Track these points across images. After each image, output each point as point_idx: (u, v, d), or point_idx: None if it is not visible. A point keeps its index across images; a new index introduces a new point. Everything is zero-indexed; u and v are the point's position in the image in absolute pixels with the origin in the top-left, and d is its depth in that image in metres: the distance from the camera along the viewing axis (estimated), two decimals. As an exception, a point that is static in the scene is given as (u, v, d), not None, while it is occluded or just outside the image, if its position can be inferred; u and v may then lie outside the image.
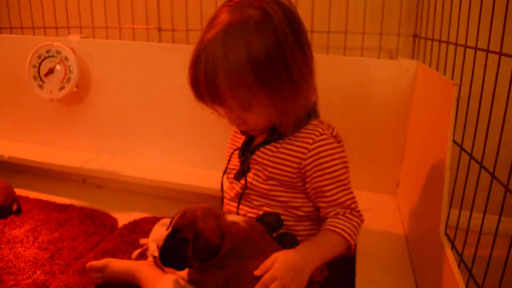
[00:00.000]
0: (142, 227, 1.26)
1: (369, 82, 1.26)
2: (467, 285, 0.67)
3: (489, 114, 0.74)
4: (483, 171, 0.75)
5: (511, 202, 0.67)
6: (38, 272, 1.02)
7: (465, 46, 0.87)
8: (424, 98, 1.09)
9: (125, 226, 1.26)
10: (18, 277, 1.00)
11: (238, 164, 0.90)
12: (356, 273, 0.92)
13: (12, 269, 1.03)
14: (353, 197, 0.83)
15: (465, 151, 0.84)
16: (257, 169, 0.86)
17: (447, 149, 0.78)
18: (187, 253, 0.76)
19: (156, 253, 0.97)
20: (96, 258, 1.07)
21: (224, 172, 0.94)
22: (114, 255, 1.10)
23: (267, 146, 0.85)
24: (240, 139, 0.93)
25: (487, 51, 0.75)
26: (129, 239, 1.19)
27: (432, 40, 1.14)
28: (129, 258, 1.08)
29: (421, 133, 1.07)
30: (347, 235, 0.79)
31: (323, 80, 1.28)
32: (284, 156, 0.83)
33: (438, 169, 0.82)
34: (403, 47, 1.39)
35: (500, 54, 0.70)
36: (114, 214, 1.34)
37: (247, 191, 0.87)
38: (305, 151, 0.81)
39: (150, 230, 1.06)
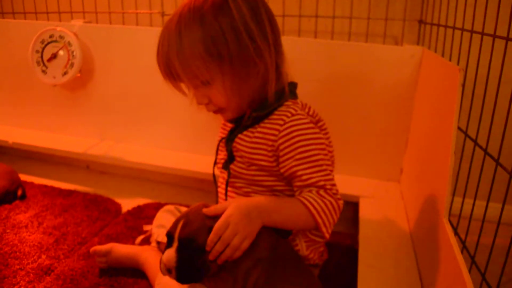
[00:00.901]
0: (146, 213, 1.26)
1: (374, 68, 1.25)
2: (469, 272, 0.67)
3: (495, 101, 0.73)
4: (487, 158, 0.75)
5: (515, 190, 0.67)
6: (43, 256, 1.03)
7: (472, 31, 0.86)
8: (429, 84, 1.08)
9: (129, 212, 1.27)
10: (23, 261, 1.01)
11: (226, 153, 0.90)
12: (359, 259, 0.92)
13: (17, 253, 1.04)
14: (329, 179, 0.80)
15: (470, 138, 0.83)
16: (238, 156, 0.86)
17: (452, 136, 0.77)
18: (206, 260, 0.72)
19: (160, 239, 0.97)
20: (100, 243, 1.08)
21: (215, 163, 0.95)
22: (118, 240, 1.11)
23: (244, 132, 0.85)
24: (228, 127, 0.92)
25: (494, 36, 0.74)
26: (133, 224, 1.19)
27: (438, 25, 1.13)
28: (133, 243, 1.09)
29: (425, 119, 1.07)
30: (310, 206, 0.76)
31: (328, 66, 1.28)
32: (258, 140, 0.83)
33: (442, 156, 0.82)
34: (409, 33, 1.37)
35: (507, 39, 0.68)
36: (118, 200, 1.35)
37: (234, 179, 0.87)
38: (277, 132, 0.81)
39: (153, 216, 1.06)
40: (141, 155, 1.47)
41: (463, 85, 0.79)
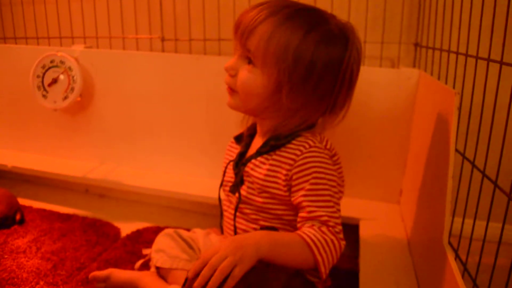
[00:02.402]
0: (145, 237, 1.26)
1: (371, 90, 1.26)
2: (471, 294, 0.66)
3: (491, 123, 0.74)
4: (485, 179, 0.75)
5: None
6: (41, 282, 1.02)
7: (466, 55, 0.87)
8: (425, 107, 1.09)
9: (128, 236, 1.26)
10: None
11: (233, 176, 0.89)
12: (360, 282, 0.91)
13: (15, 279, 1.03)
14: (334, 216, 0.76)
15: (468, 160, 0.84)
16: (249, 182, 0.85)
17: (450, 158, 0.78)
18: None
19: (159, 264, 0.96)
20: (99, 269, 1.07)
21: (221, 185, 0.94)
22: (117, 265, 1.10)
23: (259, 158, 0.84)
24: (236, 150, 0.92)
25: (488, 60, 0.75)
26: (132, 249, 1.19)
27: (433, 48, 1.14)
28: (132, 268, 1.08)
29: (423, 141, 1.07)
30: (311, 242, 0.72)
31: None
32: (273, 167, 0.82)
33: (441, 178, 0.82)
34: (405, 56, 1.39)
35: (501, 63, 0.70)
36: (117, 224, 1.34)
37: (243, 205, 0.86)
38: (292, 162, 0.80)
39: (153, 240, 1.05)
40: (140, 179, 1.47)
41: (460, 108, 0.80)
